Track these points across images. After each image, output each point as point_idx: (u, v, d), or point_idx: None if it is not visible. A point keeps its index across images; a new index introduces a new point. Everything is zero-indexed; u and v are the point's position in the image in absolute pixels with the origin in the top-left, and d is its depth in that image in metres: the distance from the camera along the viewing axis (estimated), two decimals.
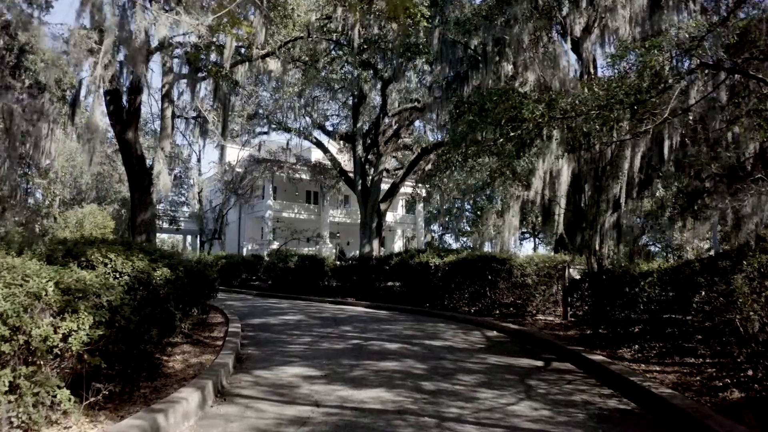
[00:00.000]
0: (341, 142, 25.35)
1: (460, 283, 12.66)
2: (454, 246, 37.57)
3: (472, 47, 11.71)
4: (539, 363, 7.10)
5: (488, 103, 8.75)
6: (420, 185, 29.61)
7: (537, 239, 40.05)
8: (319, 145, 24.93)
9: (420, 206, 38.22)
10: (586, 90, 7.75)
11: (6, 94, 11.78)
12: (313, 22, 14.11)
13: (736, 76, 7.55)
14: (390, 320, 11.70)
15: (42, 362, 3.63)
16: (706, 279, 6.17)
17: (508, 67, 11.29)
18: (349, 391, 5.30)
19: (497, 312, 11.91)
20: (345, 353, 7.43)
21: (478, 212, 35.80)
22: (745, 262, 5.65)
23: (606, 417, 4.64)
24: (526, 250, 41.62)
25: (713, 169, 8.67)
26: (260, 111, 23.86)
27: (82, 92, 12.99)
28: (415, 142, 25.03)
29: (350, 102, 23.25)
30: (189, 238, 39.47)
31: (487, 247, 18.64)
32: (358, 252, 25.03)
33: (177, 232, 36.52)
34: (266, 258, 23.08)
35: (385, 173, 24.34)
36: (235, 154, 31.90)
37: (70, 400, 3.63)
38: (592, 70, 11.56)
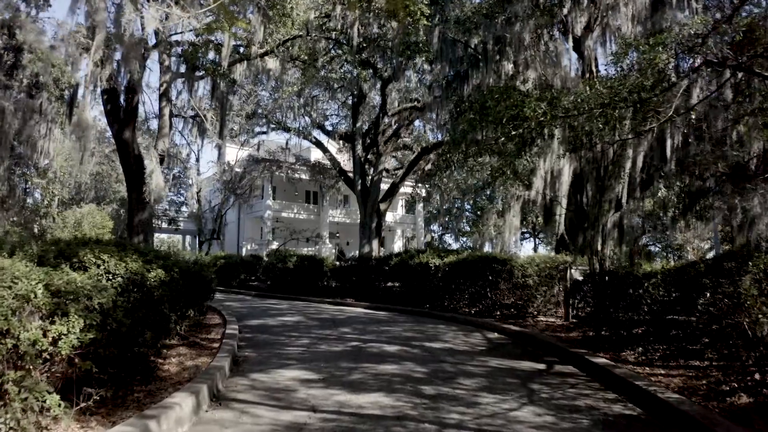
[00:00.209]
0: (341, 141, 25.25)
1: (461, 284, 12.55)
2: (454, 246, 37.54)
3: (473, 46, 11.60)
4: (541, 366, 6.99)
5: (489, 101, 8.65)
6: (420, 185, 29.50)
7: (537, 239, 39.98)
8: (318, 144, 24.82)
9: (420, 206, 38.11)
10: (588, 88, 7.64)
11: (4, 93, 11.66)
12: (312, 20, 14.00)
13: (740, 74, 7.44)
14: (389, 321, 11.59)
15: (31, 367, 3.53)
16: (711, 280, 6.06)
17: (509, 66, 11.17)
18: (347, 396, 5.20)
19: (498, 313, 11.79)
20: (343, 356, 7.32)
21: (479, 212, 35.72)
22: (751, 263, 5.57)
23: (611, 423, 4.53)
24: (527, 250, 41.61)
25: (719, 169, 8.55)
26: (259, 110, 23.74)
27: (80, 91, 12.87)
28: (414, 141, 24.93)
29: (350, 101, 23.13)
30: (188, 238, 39.32)
31: (487, 248, 18.58)
32: (357, 252, 24.91)
33: (176, 233, 36.38)
34: (265, 258, 22.96)
35: (384, 173, 24.24)
36: (234, 153, 31.80)
37: (60, 405, 3.52)
38: (593, 69, 11.44)
